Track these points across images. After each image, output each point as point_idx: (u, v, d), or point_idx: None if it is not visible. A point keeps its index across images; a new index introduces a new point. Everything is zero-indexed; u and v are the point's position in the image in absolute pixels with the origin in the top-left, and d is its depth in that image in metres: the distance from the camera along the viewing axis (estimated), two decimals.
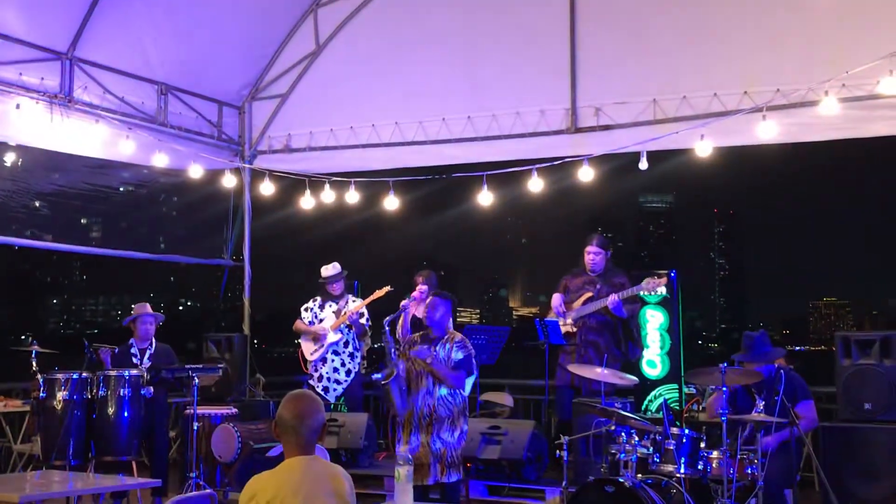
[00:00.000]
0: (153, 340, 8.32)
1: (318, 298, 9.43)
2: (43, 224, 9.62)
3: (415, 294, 8.94)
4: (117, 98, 9.56)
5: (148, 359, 8.20)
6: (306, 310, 9.43)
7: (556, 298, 8.72)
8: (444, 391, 6.66)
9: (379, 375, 6.65)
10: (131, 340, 8.29)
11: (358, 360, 9.38)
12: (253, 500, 3.53)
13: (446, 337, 6.80)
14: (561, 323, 8.51)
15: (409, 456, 6.03)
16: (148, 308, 8.37)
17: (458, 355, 6.70)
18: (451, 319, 7.01)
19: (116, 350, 8.17)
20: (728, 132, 8.52)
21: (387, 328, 6.91)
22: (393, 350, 6.73)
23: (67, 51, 9.06)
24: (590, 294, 8.49)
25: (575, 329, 8.47)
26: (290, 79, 11.05)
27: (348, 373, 9.30)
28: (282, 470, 3.63)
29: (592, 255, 8.56)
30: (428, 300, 6.98)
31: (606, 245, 8.67)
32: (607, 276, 8.55)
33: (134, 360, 8.18)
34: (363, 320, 9.34)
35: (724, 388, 6.26)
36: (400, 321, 9.04)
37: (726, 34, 8.88)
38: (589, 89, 9.49)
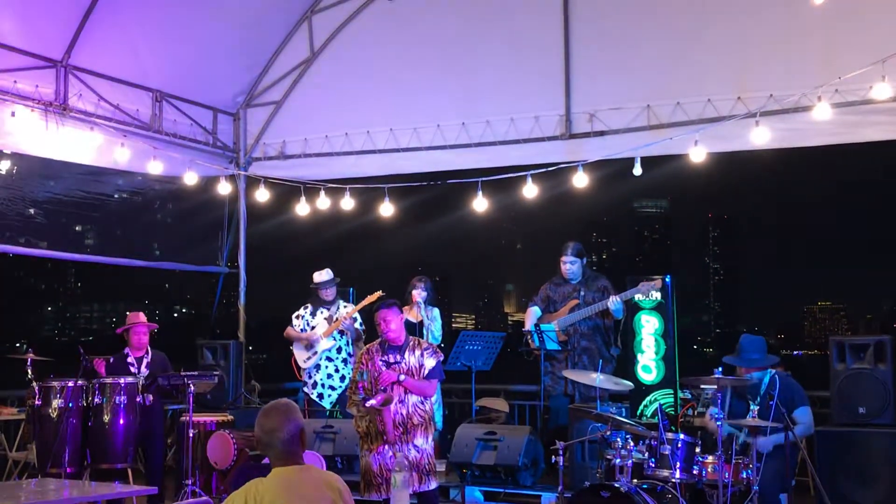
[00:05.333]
0: (149, 349, 8.32)
1: (310, 306, 9.43)
2: (38, 231, 9.62)
3: (415, 296, 9.01)
4: (112, 105, 9.56)
5: (146, 367, 8.20)
6: (297, 317, 9.42)
7: (531, 316, 8.78)
8: (415, 398, 6.55)
9: (374, 402, 6.45)
10: (126, 350, 8.28)
11: (352, 365, 9.37)
12: (244, 502, 3.53)
13: (412, 343, 6.68)
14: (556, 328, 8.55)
15: (406, 462, 6.03)
16: (142, 317, 8.37)
17: (430, 362, 6.61)
18: (403, 323, 6.80)
19: (112, 360, 8.16)
20: (722, 138, 8.55)
21: (370, 352, 6.73)
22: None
23: (62, 58, 9.07)
24: (576, 301, 8.57)
25: (565, 336, 8.54)
26: (285, 86, 11.07)
27: (342, 378, 9.29)
28: (273, 477, 3.63)
29: (568, 264, 8.67)
30: (376, 313, 6.77)
31: (581, 253, 8.78)
32: (589, 283, 8.67)
33: (131, 368, 8.17)
34: (357, 325, 9.35)
35: (719, 393, 6.29)
36: None
37: (719, 40, 8.92)
38: (583, 95, 9.52)
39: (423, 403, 6.61)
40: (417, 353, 6.64)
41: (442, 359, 6.82)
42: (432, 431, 6.71)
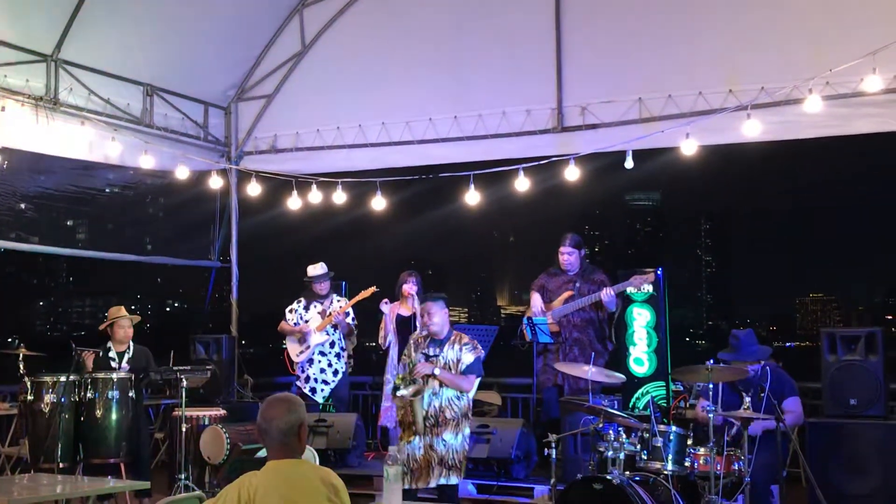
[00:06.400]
0: (131, 343, 8.30)
1: (303, 300, 9.43)
2: (29, 226, 9.59)
3: (407, 290, 9.02)
4: (103, 100, 9.53)
5: (126, 362, 8.18)
6: (291, 311, 9.42)
7: (537, 300, 8.78)
8: (450, 392, 6.61)
9: (405, 392, 6.59)
10: (108, 344, 8.27)
11: (345, 359, 9.38)
12: (237, 496, 3.54)
13: (453, 338, 6.74)
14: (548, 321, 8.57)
15: (398, 455, 6.06)
16: (123, 311, 8.34)
17: (468, 358, 6.66)
18: (447, 316, 6.94)
19: (100, 353, 8.15)
20: (713, 130, 8.56)
21: (412, 343, 6.86)
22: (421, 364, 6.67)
23: (52, 53, 9.04)
24: (570, 293, 8.59)
25: (558, 328, 8.56)
26: (276, 79, 11.05)
27: (335, 373, 9.30)
28: (267, 470, 3.63)
29: (566, 255, 8.69)
30: (420, 306, 6.92)
31: (580, 244, 8.79)
32: (585, 275, 8.69)
33: (112, 363, 8.15)
34: (349, 319, 9.35)
35: (711, 385, 6.31)
36: (382, 323, 9.06)
37: (711, 33, 8.93)
38: (575, 88, 9.52)
39: (458, 399, 6.66)
40: (456, 347, 6.70)
41: (483, 355, 6.84)
42: (464, 429, 6.73)
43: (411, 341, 6.97)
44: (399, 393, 6.58)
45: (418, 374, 6.60)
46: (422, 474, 6.53)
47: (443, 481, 6.57)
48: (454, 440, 6.60)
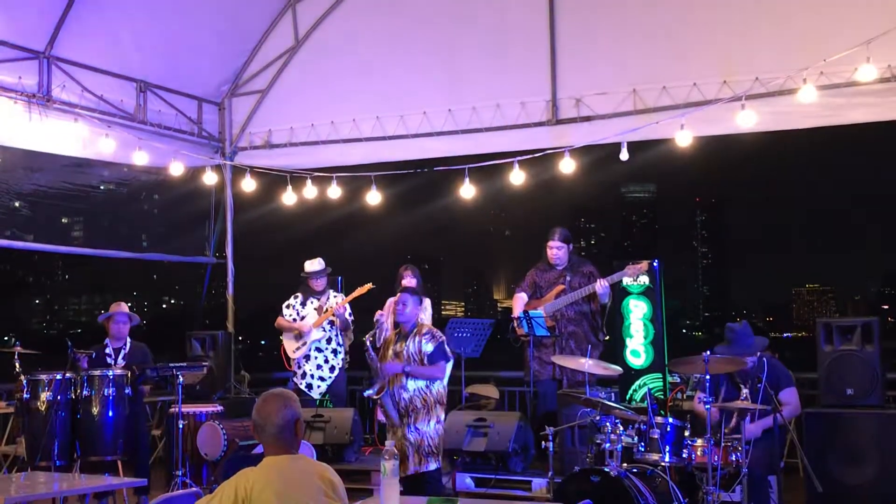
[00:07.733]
0: (128, 340, 8.29)
1: (300, 295, 9.40)
2: (23, 224, 9.58)
3: (406, 285, 9.02)
4: (96, 96, 9.51)
5: (122, 358, 8.17)
6: (288, 307, 9.40)
7: (519, 301, 8.81)
8: (419, 383, 6.78)
9: (371, 391, 6.85)
10: (106, 340, 8.26)
11: (342, 355, 9.36)
12: (234, 493, 3.53)
13: (414, 330, 6.92)
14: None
15: (395, 450, 6.09)
16: (123, 307, 8.34)
17: (428, 347, 6.82)
18: (419, 313, 7.15)
19: (94, 354, 8.14)
20: (708, 121, 8.56)
21: (368, 345, 7.08)
22: (378, 365, 6.89)
23: (45, 49, 9.01)
24: (562, 287, 8.59)
25: (552, 322, 8.57)
26: (270, 74, 11.02)
27: (332, 369, 9.28)
28: (264, 466, 3.63)
29: (555, 249, 8.70)
30: (397, 297, 7.13)
31: (568, 239, 8.80)
32: (575, 268, 8.70)
33: (108, 359, 8.14)
34: (347, 314, 9.33)
35: (707, 377, 6.31)
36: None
37: (705, 24, 8.92)
38: (569, 80, 9.51)
39: (427, 387, 6.83)
40: (417, 339, 6.87)
41: (443, 339, 6.98)
42: (437, 416, 6.89)
43: (385, 339, 7.18)
44: (366, 394, 6.91)
45: (388, 374, 6.82)
46: (403, 464, 6.65)
47: (421, 469, 6.73)
48: (427, 427, 6.81)
